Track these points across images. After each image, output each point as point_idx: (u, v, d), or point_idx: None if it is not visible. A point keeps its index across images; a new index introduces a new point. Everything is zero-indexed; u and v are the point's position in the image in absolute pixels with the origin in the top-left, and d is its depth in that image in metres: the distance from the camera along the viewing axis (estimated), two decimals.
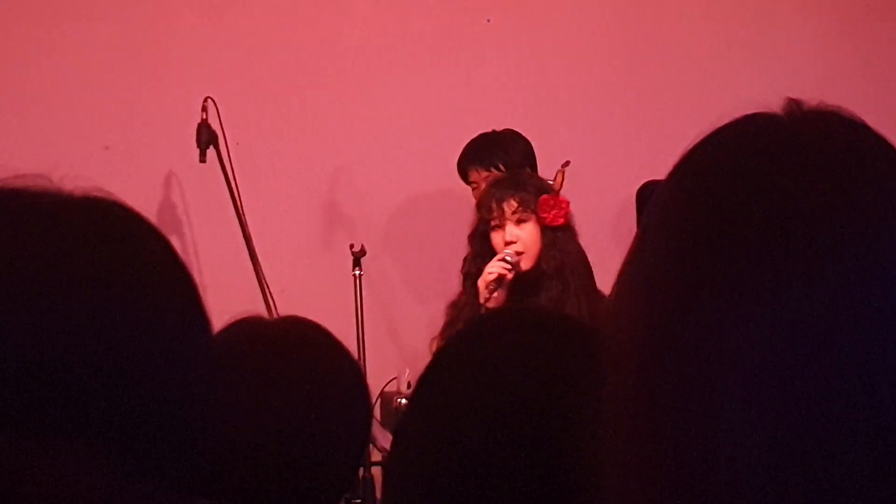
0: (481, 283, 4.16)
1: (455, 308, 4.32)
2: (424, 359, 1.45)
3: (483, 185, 4.49)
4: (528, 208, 4.20)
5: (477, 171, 4.68)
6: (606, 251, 4.51)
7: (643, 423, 0.94)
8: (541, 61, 5.45)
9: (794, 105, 0.99)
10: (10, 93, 5.09)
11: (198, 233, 5.20)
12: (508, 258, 4.16)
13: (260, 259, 4.79)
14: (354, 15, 5.36)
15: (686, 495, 0.92)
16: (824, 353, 0.89)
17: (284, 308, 4.55)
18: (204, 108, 4.83)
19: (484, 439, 1.35)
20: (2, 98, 5.08)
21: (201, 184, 5.01)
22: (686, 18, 5.54)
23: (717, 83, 5.32)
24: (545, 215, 4.21)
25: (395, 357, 4.97)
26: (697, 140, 0.99)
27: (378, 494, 4.30)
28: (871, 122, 1.00)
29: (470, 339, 1.51)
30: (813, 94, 0.99)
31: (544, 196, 4.23)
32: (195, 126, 4.83)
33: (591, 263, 4.45)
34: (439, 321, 4.32)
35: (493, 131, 4.80)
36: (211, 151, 4.82)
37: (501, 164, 4.65)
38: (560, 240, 4.23)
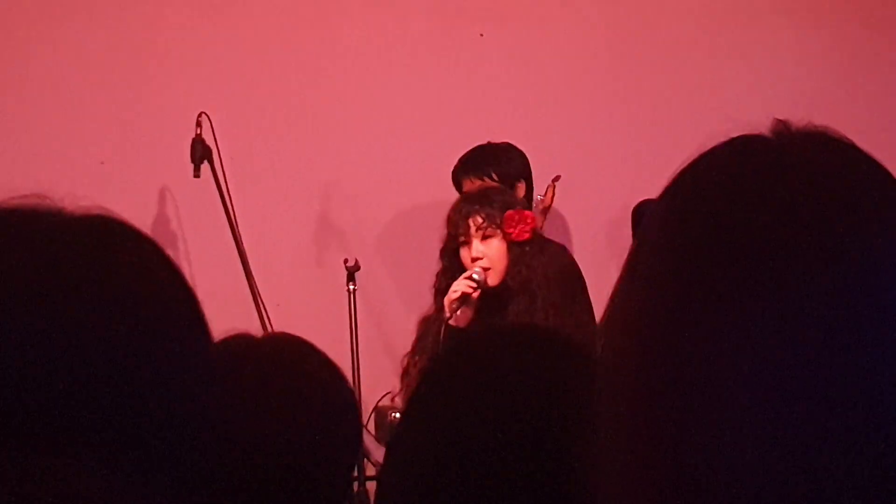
0: (446, 301, 4.19)
1: (425, 323, 4.34)
2: None
3: None
4: (494, 223, 4.22)
5: (471, 180, 4.69)
6: (602, 263, 4.52)
7: (643, 426, 0.96)
8: (533, 75, 5.46)
9: (781, 126, 1.01)
10: (7, 108, 5.09)
11: (192, 247, 5.20)
12: (475, 276, 4.17)
13: (254, 274, 4.79)
14: (348, 30, 5.37)
15: (686, 496, 0.93)
16: (819, 358, 0.92)
17: (279, 322, 4.56)
18: (198, 124, 4.84)
19: (477, 452, 1.35)
20: None
21: (195, 199, 5.01)
22: (680, 32, 5.55)
23: (711, 97, 5.33)
24: (511, 230, 4.21)
25: (389, 372, 4.97)
26: (688, 161, 1.02)
27: None
28: (863, 130, 1.01)
29: (462, 354, 1.51)
30: (808, 107, 1.01)
31: (509, 211, 4.23)
32: (189, 141, 4.83)
33: (586, 276, 4.46)
34: None
35: (489, 143, 4.81)
36: (205, 166, 4.82)
37: (495, 175, 4.66)
38: (527, 255, 4.24)
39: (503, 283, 4.22)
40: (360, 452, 4.08)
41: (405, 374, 4.37)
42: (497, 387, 1.40)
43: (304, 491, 1.78)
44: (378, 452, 4.59)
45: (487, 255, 4.21)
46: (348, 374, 4.47)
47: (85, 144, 5.12)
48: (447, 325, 4.12)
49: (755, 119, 1.02)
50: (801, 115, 1.02)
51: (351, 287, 4.71)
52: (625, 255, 1.03)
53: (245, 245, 4.82)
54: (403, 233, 5.35)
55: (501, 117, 5.29)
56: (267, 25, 5.31)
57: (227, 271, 4.85)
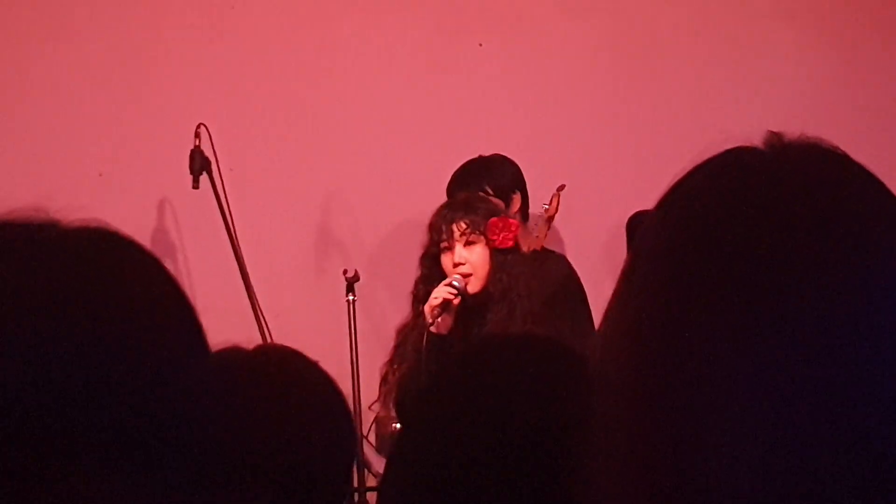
0: (427, 308, 4.18)
1: (403, 331, 4.34)
2: None
3: None
4: (477, 230, 4.22)
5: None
6: (599, 274, 4.52)
7: (643, 427, 0.97)
8: (533, 86, 5.47)
9: (774, 137, 1.03)
10: (6, 119, 5.10)
11: (191, 259, 5.20)
12: (455, 283, 4.17)
13: (253, 285, 4.79)
14: (347, 42, 5.38)
15: (686, 496, 0.94)
16: (815, 361, 0.93)
17: (279, 334, 4.56)
18: (197, 135, 4.84)
19: (478, 462, 1.36)
20: None
21: (194, 210, 5.02)
22: (677, 44, 5.56)
23: (710, 107, 5.34)
24: (494, 237, 4.22)
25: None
26: (683, 173, 1.04)
27: None
28: (863, 132, 1.02)
29: (461, 365, 1.52)
30: (810, 111, 1.02)
31: (493, 219, 4.24)
32: (188, 152, 4.84)
33: (585, 284, 4.45)
34: None
35: (481, 156, 4.82)
36: (204, 178, 4.82)
37: (490, 188, 4.67)
38: (509, 262, 4.24)
39: (484, 289, 4.21)
40: (357, 457, 4.08)
41: (384, 381, 4.37)
42: (496, 397, 1.40)
43: (301, 494, 1.79)
44: (378, 463, 4.59)
45: (469, 262, 4.21)
46: (348, 384, 4.48)
47: (83, 156, 5.12)
48: (429, 333, 4.12)
49: (757, 126, 1.04)
50: (802, 119, 1.03)
51: (350, 298, 4.71)
52: (622, 265, 1.04)
53: (244, 256, 4.82)
54: (403, 243, 5.34)
55: (501, 127, 5.30)
56: (266, 37, 5.31)
57: (226, 283, 4.85)
